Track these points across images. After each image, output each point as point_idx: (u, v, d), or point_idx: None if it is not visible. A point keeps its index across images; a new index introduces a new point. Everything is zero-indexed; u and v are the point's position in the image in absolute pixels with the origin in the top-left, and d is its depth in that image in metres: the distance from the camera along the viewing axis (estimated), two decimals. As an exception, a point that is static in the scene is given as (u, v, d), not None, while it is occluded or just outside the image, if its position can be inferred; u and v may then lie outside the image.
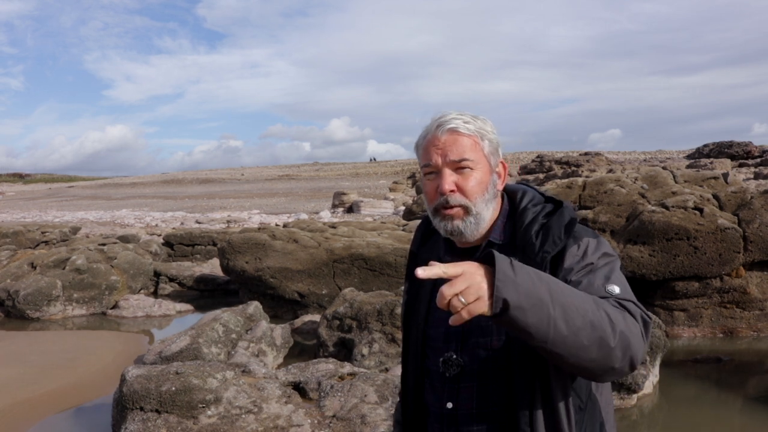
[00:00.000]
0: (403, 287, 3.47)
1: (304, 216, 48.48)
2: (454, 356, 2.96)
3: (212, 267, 22.47)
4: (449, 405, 2.97)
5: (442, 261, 3.03)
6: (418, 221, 3.47)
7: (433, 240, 3.26)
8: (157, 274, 21.19)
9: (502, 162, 3.05)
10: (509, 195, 3.14)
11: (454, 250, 3.11)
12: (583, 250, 2.83)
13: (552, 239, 2.85)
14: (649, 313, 2.77)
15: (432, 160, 2.94)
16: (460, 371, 2.95)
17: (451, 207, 2.92)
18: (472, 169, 2.91)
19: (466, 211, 2.92)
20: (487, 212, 2.98)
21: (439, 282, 3.10)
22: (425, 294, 3.16)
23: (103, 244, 21.86)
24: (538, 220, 2.93)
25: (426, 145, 2.98)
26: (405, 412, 3.30)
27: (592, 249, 2.84)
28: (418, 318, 3.18)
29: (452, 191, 2.90)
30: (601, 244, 2.89)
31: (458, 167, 2.91)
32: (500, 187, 3.06)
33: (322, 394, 8.23)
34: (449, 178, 2.90)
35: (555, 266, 2.82)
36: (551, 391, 2.79)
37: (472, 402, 2.92)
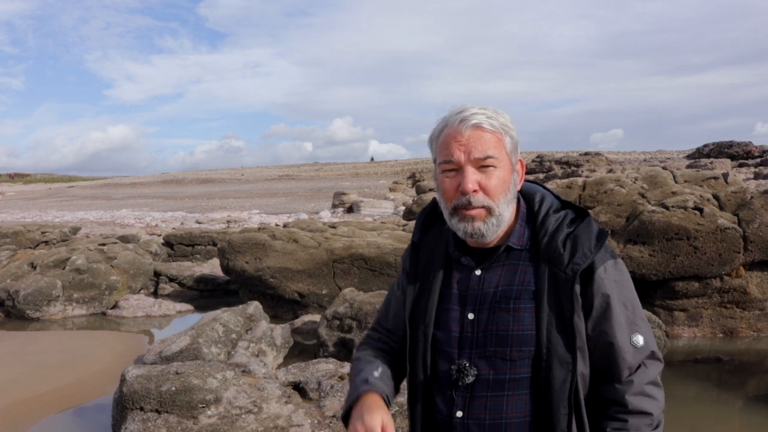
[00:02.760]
0: (396, 280, 3.35)
1: (304, 216, 48.45)
2: (468, 364, 2.87)
3: (212, 267, 22.44)
4: (459, 414, 2.88)
5: (451, 257, 3.05)
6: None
7: (436, 231, 3.15)
8: (157, 274, 21.16)
9: (520, 160, 2.98)
10: (525, 197, 3.07)
11: (466, 249, 3.02)
12: (610, 275, 2.83)
13: (582, 251, 2.80)
14: (658, 352, 2.93)
15: (454, 156, 2.83)
16: (475, 380, 2.86)
17: (474, 207, 2.83)
18: (495, 167, 2.83)
19: (489, 212, 2.84)
20: (508, 213, 2.91)
21: (448, 279, 3.05)
22: (432, 292, 3.03)
23: (103, 244, 21.85)
24: (564, 229, 2.89)
25: (446, 139, 2.88)
26: (413, 420, 3.10)
27: (616, 275, 2.85)
28: (425, 317, 3.02)
29: (475, 191, 2.81)
30: (622, 268, 2.89)
31: (482, 165, 2.82)
32: (519, 187, 3.00)
33: (322, 394, 8.23)
34: (472, 177, 2.81)
35: (585, 281, 2.80)
36: (580, 405, 2.79)
37: (485, 412, 2.84)
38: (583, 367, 2.79)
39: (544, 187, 3.11)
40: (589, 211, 14.25)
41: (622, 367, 2.78)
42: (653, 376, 2.80)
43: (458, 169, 2.84)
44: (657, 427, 2.77)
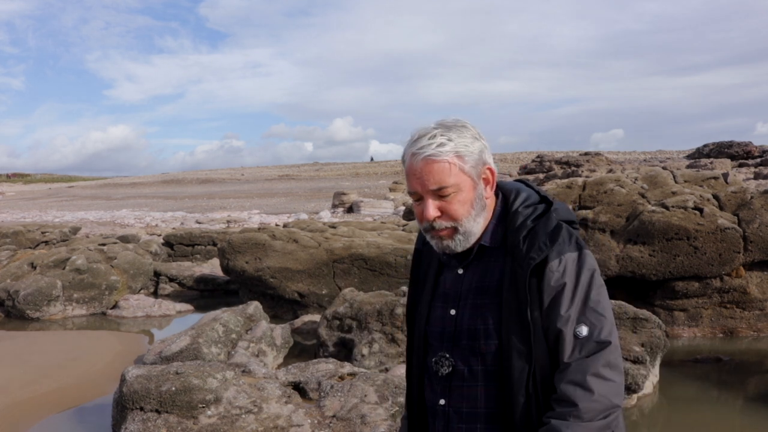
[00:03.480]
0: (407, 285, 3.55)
1: (304, 216, 48.47)
2: (447, 355, 3.05)
3: (212, 267, 22.45)
4: (442, 402, 3.08)
5: (440, 261, 3.22)
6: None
7: None
8: (157, 274, 21.18)
9: (488, 168, 3.04)
10: (504, 194, 3.16)
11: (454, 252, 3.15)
12: (563, 267, 2.89)
13: (537, 245, 2.90)
14: (620, 358, 2.91)
15: (414, 189, 2.98)
16: (452, 371, 3.04)
17: (438, 230, 2.99)
18: (454, 192, 2.93)
19: (455, 230, 2.98)
20: (476, 226, 3.02)
21: (439, 280, 3.22)
22: (427, 292, 3.22)
23: (103, 244, 21.85)
24: (527, 225, 2.97)
25: (407, 171, 3.01)
26: (409, 406, 3.35)
27: (571, 267, 2.90)
28: (420, 316, 3.23)
29: (438, 217, 2.96)
30: (582, 260, 2.93)
31: (439, 194, 2.93)
32: (488, 194, 3.07)
33: (322, 394, 8.24)
34: (431, 206, 2.95)
35: (540, 275, 2.88)
36: (539, 395, 2.88)
37: (462, 402, 3.02)
38: (543, 358, 2.87)
39: (527, 184, 3.21)
40: (590, 211, 14.26)
41: (562, 357, 2.84)
42: (594, 368, 2.79)
43: (421, 198, 2.98)
44: (590, 420, 2.75)
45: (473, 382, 3.00)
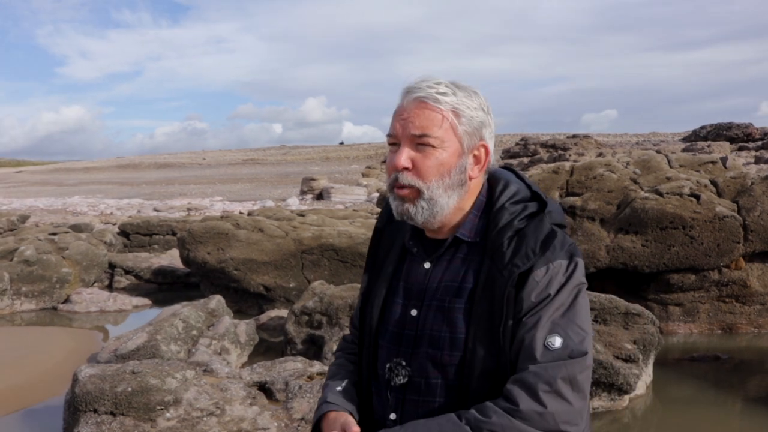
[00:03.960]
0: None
1: (270, 203, 48.47)
2: (403, 363, 2.86)
3: (171, 258, 22.42)
4: (392, 416, 2.89)
5: (406, 247, 3.03)
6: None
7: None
8: (111, 266, 21.11)
9: (483, 145, 2.87)
10: (490, 184, 2.98)
11: (421, 239, 3.00)
12: (549, 277, 2.70)
13: (525, 251, 2.72)
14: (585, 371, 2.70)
15: (393, 130, 2.83)
16: (408, 381, 2.85)
17: (402, 186, 2.80)
18: (434, 147, 2.75)
19: (418, 193, 2.79)
20: (446, 200, 2.82)
21: (401, 270, 3.04)
22: (383, 282, 3.03)
23: (54, 234, 21.77)
24: (514, 225, 2.79)
25: (395, 112, 2.85)
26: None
27: (558, 278, 2.72)
28: (372, 310, 3.02)
29: (405, 168, 2.77)
30: (571, 271, 2.75)
31: (419, 143, 2.76)
32: (475, 175, 2.88)
33: (289, 395, 8.24)
34: (405, 154, 2.77)
35: (520, 284, 2.70)
36: None
37: (416, 417, 2.77)
38: (508, 376, 2.68)
39: (518, 175, 3.04)
40: (578, 198, 14.29)
41: (523, 366, 2.63)
42: (551, 377, 2.58)
43: (398, 144, 2.82)
44: (523, 422, 2.54)
45: (430, 397, 2.80)
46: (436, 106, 2.75)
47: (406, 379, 2.83)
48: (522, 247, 2.72)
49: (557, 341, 2.62)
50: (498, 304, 2.68)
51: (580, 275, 2.77)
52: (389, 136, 2.85)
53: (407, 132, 2.76)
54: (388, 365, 2.89)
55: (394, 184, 2.82)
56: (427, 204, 2.79)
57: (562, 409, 2.59)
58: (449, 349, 2.76)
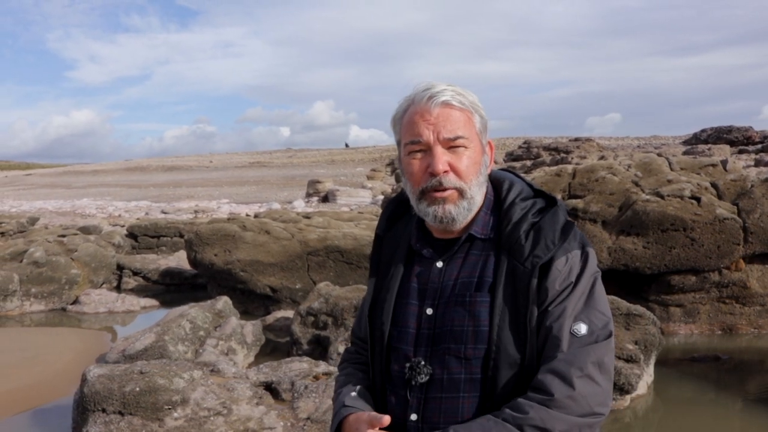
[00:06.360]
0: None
1: (276, 205, 48.49)
2: (423, 362, 2.82)
3: (179, 260, 22.44)
4: (413, 417, 2.83)
5: (413, 250, 3.01)
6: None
7: (402, 223, 3.10)
8: (120, 268, 21.14)
9: (489, 142, 2.93)
10: (493, 184, 3.00)
11: (429, 240, 2.98)
12: (570, 266, 2.75)
13: (544, 243, 2.74)
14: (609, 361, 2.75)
15: (422, 136, 2.78)
16: (429, 380, 2.81)
17: (445, 189, 2.77)
18: (466, 147, 2.78)
19: (461, 194, 2.79)
20: (479, 197, 2.86)
21: (409, 273, 3.02)
22: (392, 286, 3.00)
23: (63, 236, 21.79)
24: (528, 219, 2.82)
25: (412, 118, 2.82)
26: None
27: (577, 266, 2.76)
28: (383, 314, 2.99)
29: (446, 171, 2.75)
30: (587, 259, 2.80)
31: (452, 145, 2.77)
32: (489, 170, 2.94)
33: (295, 394, 8.22)
34: (443, 158, 2.75)
35: (542, 274, 2.72)
36: None
37: (440, 416, 2.78)
38: (534, 367, 2.71)
39: (516, 175, 3.07)
40: (580, 200, 14.28)
41: (552, 353, 2.67)
42: (582, 362, 2.63)
43: (426, 150, 2.80)
44: (556, 418, 2.56)
45: (454, 393, 2.77)
46: (461, 107, 2.79)
47: (427, 377, 2.79)
48: (541, 239, 2.75)
49: (583, 328, 2.67)
50: (521, 296, 2.71)
51: (594, 263, 2.81)
52: (414, 143, 2.81)
53: (440, 136, 2.76)
54: (408, 365, 2.84)
55: (435, 188, 2.79)
56: (468, 203, 2.82)
57: (594, 391, 2.64)
58: (473, 342, 2.75)
